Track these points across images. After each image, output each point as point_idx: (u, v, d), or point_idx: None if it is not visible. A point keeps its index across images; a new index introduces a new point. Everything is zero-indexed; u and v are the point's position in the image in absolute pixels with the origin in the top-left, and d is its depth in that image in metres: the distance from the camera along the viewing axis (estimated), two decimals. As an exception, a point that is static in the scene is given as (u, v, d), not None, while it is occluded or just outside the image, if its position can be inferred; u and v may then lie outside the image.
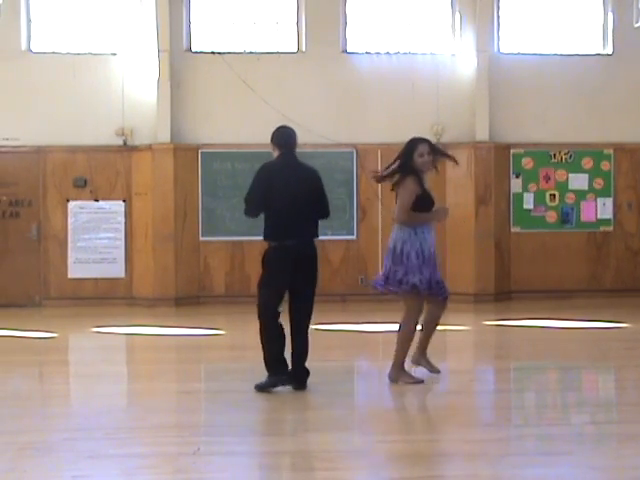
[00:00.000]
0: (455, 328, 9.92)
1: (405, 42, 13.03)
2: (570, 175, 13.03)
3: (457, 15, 12.95)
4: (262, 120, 11.78)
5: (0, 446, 5.29)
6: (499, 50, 13.05)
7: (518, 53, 13.12)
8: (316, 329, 7.10)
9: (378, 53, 12.98)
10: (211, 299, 12.61)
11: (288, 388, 6.75)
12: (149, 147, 12.51)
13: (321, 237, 7.13)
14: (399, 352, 6.94)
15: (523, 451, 5.23)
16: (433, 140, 11.93)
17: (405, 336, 6.93)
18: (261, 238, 6.93)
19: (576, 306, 12.05)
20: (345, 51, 12.96)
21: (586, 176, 13.05)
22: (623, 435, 5.54)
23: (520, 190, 12.98)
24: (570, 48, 13.18)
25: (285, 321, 6.83)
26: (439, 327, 7.25)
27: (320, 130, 12.41)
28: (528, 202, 12.98)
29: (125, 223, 12.69)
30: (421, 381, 6.94)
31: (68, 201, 12.64)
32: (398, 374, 6.94)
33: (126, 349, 9.81)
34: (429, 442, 5.44)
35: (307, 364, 6.85)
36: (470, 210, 12.65)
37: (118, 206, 12.68)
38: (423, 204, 6.86)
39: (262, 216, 6.91)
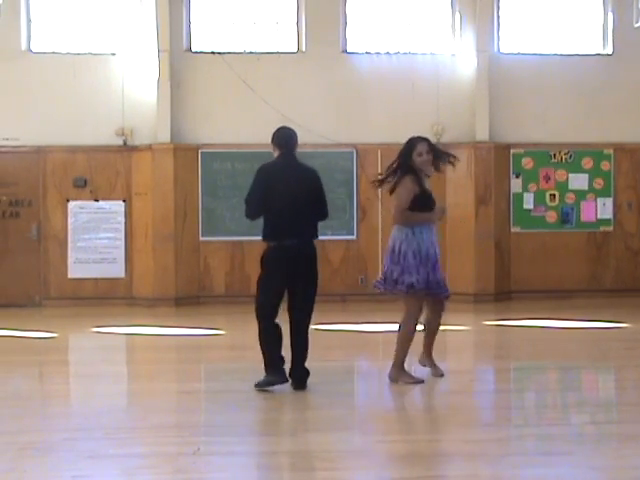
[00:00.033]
0: (455, 328, 9.92)
1: (405, 42, 13.03)
2: (570, 175, 13.03)
3: (457, 15, 12.95)
4: (262, 120, 11.79)
5: (0, 446, 5.29)
6: (499, 50, 13.05)
7: (518, 53, 13.12)
8: (316, 329, 7.10)
9: (378, 53, 12.98)
10: (211, 299, 12.61)
11: (288, 388, 6.75)
12: (149, 147, 12.51)
13: (321, 237, 7.13)
14: (399, 352, 6.94)
15: (523, 451, 5.23)
16: (433, 140, 12.05)
17: (405, 336, 6.92)
18: (261, 238, 6.93)
19: (576, 306, 12.05)
20: (345, 51, 12.96)
21: (586, 176, 13.05)
22: (623, 435, 5.54)
23: (520, 190, 12.98)
24: (570, 48, 13.18)
25: (285, 321, 6.83)
26: (439, 327, 7.27)
27: (320, 130, 12.41)
28: (528, 202, 12.98)
29: (125, 223, 12.69)
30: (421, 381, 6.94)
31: (68, 201, 12.64)
32: (398, 374, 6.94)
33: (126, 349, 9.81)
34: (429, 442, 5.43)
35: (307, 364, 6.85)
36: (470, 210, 12.65)
37: (118, 206, 12.68)
38: (422, 203, 6.85)
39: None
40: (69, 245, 12.63)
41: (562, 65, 13.06)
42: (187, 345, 9.55)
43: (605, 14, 13.18)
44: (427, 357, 7.23)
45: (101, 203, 12.68)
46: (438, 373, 7.17)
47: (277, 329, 6.78)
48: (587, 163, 13.04)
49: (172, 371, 8.12)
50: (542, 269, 12.90)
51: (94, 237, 12.64)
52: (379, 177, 7.25)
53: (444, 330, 7.53)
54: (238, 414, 6.12)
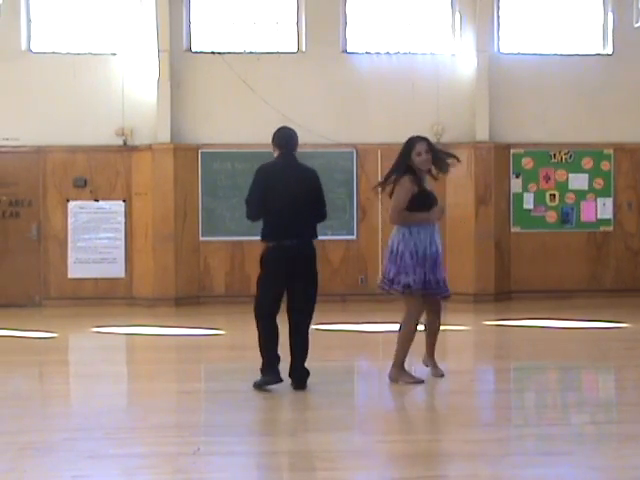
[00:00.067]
0: (455, 328, 9.93)
1: (405, 42, 13.03)
2: (570, 175, 13.03)
3: (457, 15, 12.95)
4: (262, 120, 11.80)
5: (0, 446, 5.29)
6: (499, 50, 13.05)
7: (518, 53, 13.12)
8: (316, 329, 7.10)
9: (378, 53, 12.98)
10: (211, 299, 12.61)
11: (288, 388, 6.75)
12: (149, 147, 12.51)
13: (321, 237, 7.14)
14: (399, 352, 6.94)
15: (523, 451, 5.23)
16: (433, 140, 12.06)
17: (405, 336, 6.92)
18: (260, 238, 6.94)
19: (576, 306, 12.05)
20: (345, 51, 12.96)
21: (586, 176, 13.05)
22: (623, 435, 5.54)
23: (520, 190, 12.98)
24: (570, 48, 13.18)
25: (285, 321, 6.84)
26: (440, 327, 7.27)
27: (320, 130, 12.41)
28: (528, 202, 12.98)
29: (125, 223, 12.69)
30: (421, 381, 6.94)
31: (68, 201, 12.64)
32: (398, 374, 6.94)
33: (126, 349, 9.81)
34: (429, 442, 5.43)
35: (307, 364, 6.85)
36: (470, 210, 12.66)
37: (118, 206, 12.68)
38: (420, 203, 6.84)
39: (261, 216, 6.92)
40: (69, 245, 12.63)
41: (562, 65, 13.06)
42: (187, 345, 9.55)
43: (605, 14, 13.18)
44: (429, 357, 7.24)
45: (101, 203, 12.68)
46: (438, 373, 7.17)
47: (275, 328, 6.78)
48: (587, 163, 13.04)
49: (172, 371, 8.12)
50: (542, 269, 12.90)
51: (94, 237, 12.64)
52: (379, 182, 7.24)
53: (444, 330, 7.52)
54: (238, 414, 6.12)
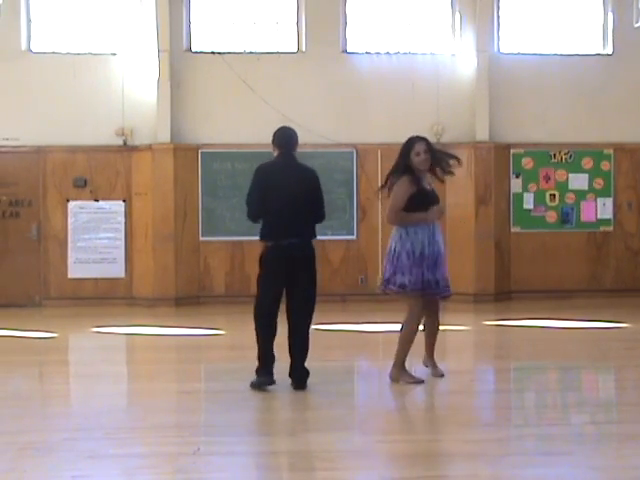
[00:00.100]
0: (455, 328, 9.93)
1: (405, 42, 13.03)
2: (570, 175, 13.03)
3: (457, 15, 12.95)
4: (262, 120, 11.80)
5: (0, 446, 5.29)
6: (499, 50, 13.05)
7: (518, 53, 13.12)
8: (316, 329, 7.10)
9: (378, 53, 12.98)
10: (211, 299, 12.61)
11: (288, 388, 6.76)
12: (149, 147, 12.51)
13: (321, 237, 7.14)
14: (400, 352, 6.95)
15: (523, 451, 5.23)
16: (433, 140, 12.06)
17: (406, 336, 6.94)
18: (259, 238, 6.95)
19: (576, 306, 12.05)
20: (345, 51, 12.96)
21: (586, 176, 13.05)
22: (623, 435, 5.54)
23: (520, 190, 12.98)
24: (570, 48, 13.18)
25: (284, 321, 6.84)
26: (440, 327, 7.28)
27: (320, 130, 12.41)
28: (528, 202, 12.98)
29: (125, 223, 12.69)
30: (421, 381, 6.94)
31: (68, 201, 12.64)
32: (399, 374, 6.95)
33: (126, 349, 9.81)
34: (429, 442, 5.44)
35: (307, 364, 6.85)
36: (470, 210, 12.65)
37: (118, 206, 12.68)
38: (419, 203, 6.85)
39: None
40: (69, 245, 12.63)
41: (562, 65, 13.06)
42: (187, 345, 9.55)
43: (605, 14, 13.18)
44: (428, 358, 7.25)
45: (101, 203, 12.68)
46: (438, 373, 7.18)
47: (272, 329, 6.79)
48: (587, 163, 13.04)
49: (172, 371, 8.12)
50: (542, 269, 12.90)
51: (94, 237, 12.64)
52: (381, 185, 7.25)
53: (444, 330, 7.53)
54: (238, 414, 6.12)
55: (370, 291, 12.25)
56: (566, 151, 13.01)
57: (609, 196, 13.07)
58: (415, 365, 7.24)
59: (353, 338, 9.81)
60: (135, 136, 12.65)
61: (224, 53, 12.74)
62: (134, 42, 12.69)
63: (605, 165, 13.06)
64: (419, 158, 6.88)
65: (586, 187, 13.05)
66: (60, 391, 7.34)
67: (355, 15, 13.02)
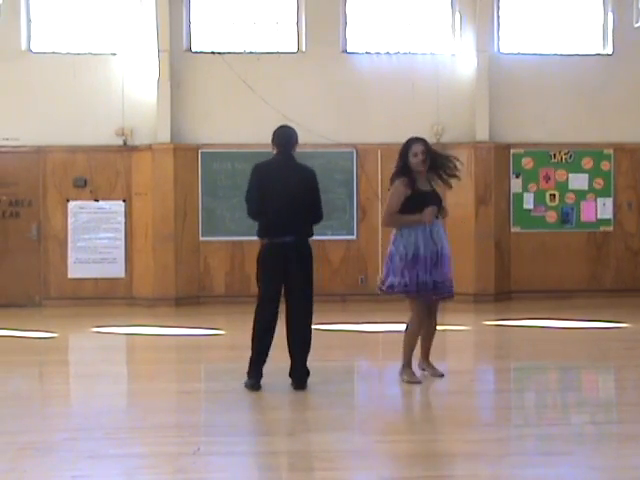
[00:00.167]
0: (455, 328, 9.93)
1: (405, 42, 13.03)
2: (570, 175, 13.03)
3: (457, 15, 12.95)
4: (262, 120, 11.79)
5: (0, 446, 5.30)
6: (499, 50, 13.05)
7: (518, 53, 13.12)
8: (316, 329, 7.10)
9: (378, 53, 12.98)
10: (211, 299, 12.61)
11: (288, 388, 6.76)
12: (149, 147, 12.51)
13: (321, 237, 7.16)
14: (404, 351, 7.04)
15: (523, 451, 5.23)
16: (433, 140, 12.07)
17: (408, 337, 7.03)
18: (256, 236, 6.97)
19: (576, 306, 12.06)
20: (345, 51, 12.96)
21: (586, 176, 13.05)
22: (623, 435, 5.54)
23: (520, 190, 12.98)
24: (570, 48, 13.18)
25: (283, 322, 6.85)
26: (439, 327, 7.28)
27: (320, 130, 12.41)
28: (528, 202, 12.98)
29: (125, 223, 12.69)
30: (419, 382, 6.96)
31: (68, 201, 12.64)
32: (402, 370, 7.03)
33: (126, 349, 9.81)
34: (429, 442, 5.44)
35: (307, 364, 6.85)
36: (470, 210, 12.65)
37: (118, 206, 12.68)
38: (414, 205, 6.86)
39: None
40: (69, 245, 12.64)
41: (562, 65, 13.06)
42: (187, 345, 9.55)
43: (605, 14, 13.18)
44: (424, 360, 7.26)
45: (101, 203, 12.68)
46: (437, 373, 7.18)
47: (269, 329, 6.80)
48: (587, 163, 13.04)
49: (172, 371, 8.12)
50: (542, 269, 12.90)
51: (94, 237, 12.64)
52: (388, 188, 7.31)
53: (444, 330, 7.54)
54: (238, 414, 6.12)
55: (370, 291, 12.25)
56: (566, 151, 13.01)
57: (609, 196, 13.07)
58: (414, 366, 7.24)
59: (353, 338, 9.80)
60: (135, 136, 12.66)
61: (224, 53, 12.74)
62: (134, 42, 12.69)
63: (605, 165, 13.06)
64: (416, 159, 6.91)
65: (586, 187, 13.05)
66: (60, 391, 7.34)
67: (355, 15, 13.02)
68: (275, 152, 7.00)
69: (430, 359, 7.26)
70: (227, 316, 11.60)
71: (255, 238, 7.06)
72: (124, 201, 12.68)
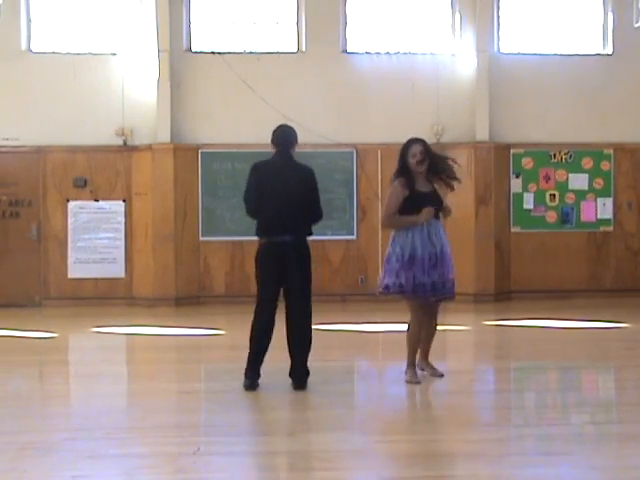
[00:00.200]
0: (455, 328, 9.93)
1: (405, 42, 13.03)
2: (570, 175, 13.03)
3: (457, 15, 12.95)
4: (262, 120, 11.79)
5: (0, 446, 5.29)
6: (499, 50, 13.05)
7: (518, 53, 13.12)
8: (316, 329, 7.10)
9: (378, 53, 12.98)
10: (211, 299, 12.61)
11: (288, 388, 6.76)
12: (149, 147, 12.51)
13: (321, 237, 7.17)
14: (407, 351, 7.06)
15: (523, 451, 5.23)
16: (433, 140, 12.07)
17: (409, 337, 7.07)
18: (255, 235, 6.99)
19: (576, 306, 12.06)
20: (345, 51, 12.96)
21: (586, 176, 13.05)
22: (623, 435, 5.54)
23: (520, 190, 12.98)
24: (570, 48, 13.18)
25: (283, 322, 6.85)
26: (439, 327, 7.28)
27: (320, 130, 12.41)
28: (528, 202, 12.98)
29: (125, 223, 12.69)
30: (418, 382, 6.96)
31: (68, 201, 12.64)
32: (407, 369, 7.06)
33: (126, 349, 9.81)
34: (429, 442, 5.43)
35: (307, 364, 6.85)
36: (470, 210, 12.65)
37: (118, 206, 12.68)
38: (411, 206, 6.87)
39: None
40: (69, 245, 12.64)
41: (562, 65, 13.06)
42: (187, 345, 9.55)
43: (605, 14, 13.19)
44: (423, 360, 7.27)
45: (101, 203, 12.68)
46: (437, 373, 7.19)
47: (267, 329, 6.80)
48: (587, 163, 13.05)
49: (172, 371, 8.12)
50: (542, 269, 12.90)
51: (94, 237, 12.64)
52: None
53: (444, 330, 7.53)
54: (238, 414, 6.12)
55: (370, 291, 12.23)
56: (566, 151, 13.01)
57: (609, 196, 13.07)
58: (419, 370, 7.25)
59: (353, 338, 9.80)
60: (135, 136, 12.66)
61: (224, 53, 12.74)
62: (134, 42, 12.69)
63: (605, 165, 13.07)
64: (414, 160, 6.93)
65: (586, 187, 13.06)
66: (60, 391, 7.34)
67: (355, 15, 13.02)
68: (274, 152, 7.01)
69: (430, 359, 7.26)
70: (227, 316, 11.61)
71: (255, 238, 7.07)
72: (124, 201, 12.68)
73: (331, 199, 12.06)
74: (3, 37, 12.59)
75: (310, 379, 6.84)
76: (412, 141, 7.03)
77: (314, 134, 12.09)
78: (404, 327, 7.13)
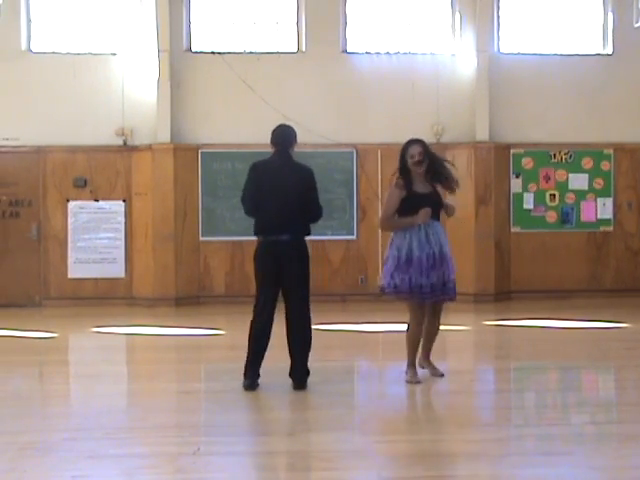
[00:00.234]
0: (455, 328, 9.93)
1: (405, 42, 13.03)
2: (570, 175, 13.03)
3: (457, 15, 12.95)
4: (262, 120, 11.78)
5: (0, 446, 5.29)
6: (499, 50, 13.05)
7: (518, 53, 13.12)
8: (316, 329, 7.10)
9: (378, 53, 12.98)
10: (211, 299, 12.62)
11: (288, 388, 6.76)
12: (149, 147, 12.51)
13: (321, 237, 7.18)
14: (407, 351, 7.07)
15: (523, 451, 5.23)
16: (433, 140, 12.08)
17: (407, 338, 7.08)
18: (254, 234, 7.01)
19: (576, 306, 12.06)
20: (345, 51, 12.96)
21: (586, 176, 13.05)
22: (623, 435, 5.54)
23: (520, 190, 12.99)
24: (570, 48, 13.18)
25: (283, 322, 6.85)
26: (439, 330, 7.29)
27: (320, 130, 12.41)
28: (528, 202, 12.98)
29: (125, 223, 12.70)
30: (417, 382, 6.96)
31: (68, 201, 12.64)
32: (406, 369, 7.07)
33: (126, 349, 9.80)
34: (429, 442, 5.43)
35: (307, 364, 6.86)
36: (470, 210, 12.64)
37: (118, 206, 12.68)
38: (408, 207, 6.88)
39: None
40: (69, 245, 12.64)
41: (562, 65, 13.06)
42: (187, 345, 9.55)
43: (605, 14, 13.19)
44: (424, 359, 7.29)
45: (101, 203, 12.68)
46: (438, 373, 7.20)
47: (265, 329, 6.80)
48: (587, 163, 13.05)
49: (172, 371, 8.12)
50: (542, 269, 12.90)
51: (94, 237, 12.64)
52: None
53: (444, 330, 7.52)
54: (238, 414, 6.12)
55: (370, 291, 12.26)
56: (566, 151, 13.01)
57: (609, 196, 13.07)
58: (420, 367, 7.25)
59: (353, 338, 9.80)
60: (135, 136, 12.66)
61: (224, 53, 12.74)
62: (134, 42, 12.69)
63: (605, 165, 13.07)
64: (413, 160, 6.94)
65: (586, 187, 13.06)
66: (60, 391, 7.34)
67: (355, 15, 13.02)
68: (273, 151, 7.02)
69: (430, 359, 7.27)
70: (227, 316, 11.60)
71: (255, 238, 7.07)
72: (124, 201, 12.68)
73: (331, 199, 12.07)
74: (3, 37, 12.60)
75: (310, 379, 6.84)
76: (411, 142, 7.04)
77: (314, 134, 12.09)
78: (404, 327, 7.13)
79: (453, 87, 12.88)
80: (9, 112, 12.59)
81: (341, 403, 6.52)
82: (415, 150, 6.95)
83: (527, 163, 12.99)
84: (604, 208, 13.06)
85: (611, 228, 13.08)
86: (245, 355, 6.88)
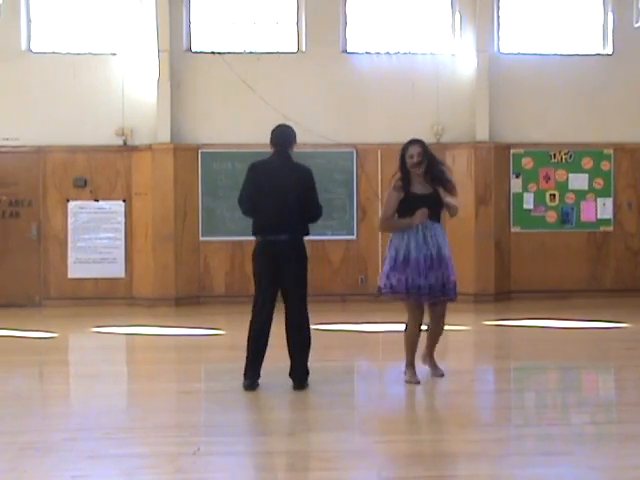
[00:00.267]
0: (455, 328, 9.90)
1: (405, 42, 13.03)
2: (570, 175, 13.03)
3: (457, 15, 12.95)
4: (262, 120, 11.77)
5: (0, 446, 5.30)
6: (499, 50, 13.05)
7: (518, 53, 13.12)
8: (316, 329, 7.10)
9: (378, 53, 12.98)
10: (211, 299, 12.62)
11: (288, 388, 6.76)
12: (149, 147, 12.51)
13: (321, 237, 7.18)
14: (405, 351, 7.08)
15: (523, 451, 5.23)
16: (433, 140, 12.08)
17: (405, 338, 7.09)
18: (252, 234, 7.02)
19: (576, 306, 12.06)
20: (345, 51, 12.96)
21: (586, 176, 13.05)
22: (623, 435, 5.54)
23: (520, 190, 12.99)
24: (570, 48, 13.18)
25: (282, 322, 6.85)
26: (443, 330, 7.29)
27: (320, 130, 12.41)
28: (528, 202, 12.98)
29: (125, 223, 12.70)
30: (417, 382, 6.96)
31: (68, 201, 12.64)
32: (405, 369, 7.07)
33: (126, 349, 9.81)
34: (429, 442, 5.44)
35: (307, 364, 6.86)
36: (470, 210, 12.64)
37: (118, 206, 12.68)
38: (406, 208, 6.89)
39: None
40: (69, 245, 12.64)
41: (562, 65, 13.06)
42: (187, 345, 9.55)
43: (605, 14, 13.19)
44: (427, 357, 7.31)
45: (101, 203, 12.68)
46: (438, 373, 7.20)
47: (265, 331, 6.79)
48: (587, 163, 13.05)
49: (172, 371, 8.12)
50: (542, 269, 12.90)
51: (94, 237, 12.64)
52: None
53: (444, 330, 7.51)
54: (238, 414, 6.12)
55: (370, 291, 12.26)
56: (566, 151, 13.01)
57: (609, 196, 13.07)
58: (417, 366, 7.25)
59: (353, 338, 9.80)
60: (135, 136, 12.66)
61: (224, 53, 12.74)
62: (134, 42, 12.69)
63: (605, 165, 13.07)
64: (411, 161, 6.95)
65: (586, 187, 13.06)
66: (60, 391, 7.34)
67: (355, 15, 13.02)
68: (272, 151, 7.03)
69: (434, 358, 7.28)
70: (227, 316, 11.60)
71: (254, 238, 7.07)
72: (124, 201, 12.68)
73: (331, 199, 12.07)
74: (3, 37, 12.60)
75: (310, 379, 6.84)
76: (410, 142, 7.05)
77: (314, 134, 12.09)
78: (403, 327, 7.13)
79: (453, 87, 12.88)
80: (9, 112, 12.59)
81: (341, 403, 6.52)
82: (414, 150, 6.95)
83: (527, 163, 12.99)
84: (604, 208, 13.06)
85: (611, 228, 13.08)
86: (245, 355, 6.88)
